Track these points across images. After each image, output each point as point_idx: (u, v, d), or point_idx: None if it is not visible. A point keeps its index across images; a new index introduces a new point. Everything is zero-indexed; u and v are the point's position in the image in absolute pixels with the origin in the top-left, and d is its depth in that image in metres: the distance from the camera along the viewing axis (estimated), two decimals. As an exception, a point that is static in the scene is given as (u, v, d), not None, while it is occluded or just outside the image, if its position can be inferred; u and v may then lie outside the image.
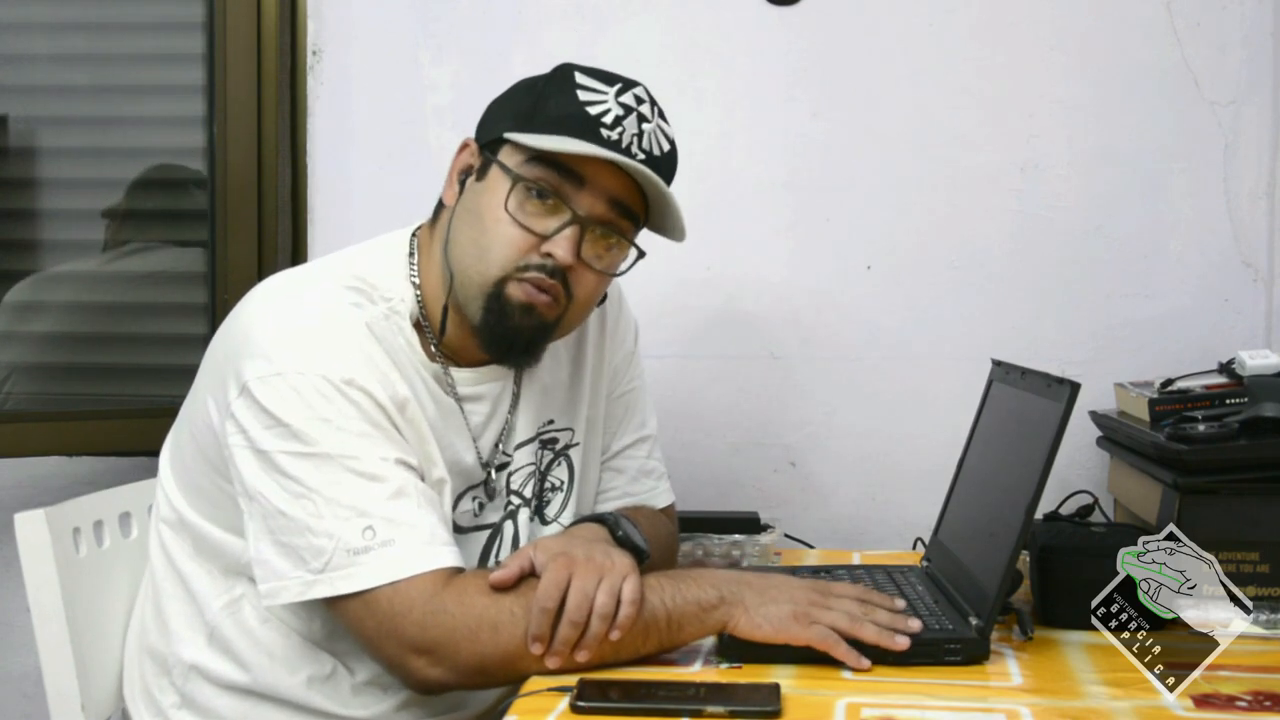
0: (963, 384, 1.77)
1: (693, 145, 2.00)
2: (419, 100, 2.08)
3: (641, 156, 1.32)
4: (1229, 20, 1.95)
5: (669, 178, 1.37)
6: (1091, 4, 1.98)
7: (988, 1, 1.99)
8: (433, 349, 1.39)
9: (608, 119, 1.31)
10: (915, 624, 1.27)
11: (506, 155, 1.34)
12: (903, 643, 1.24)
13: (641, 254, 1.40)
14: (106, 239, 2.15)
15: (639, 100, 1.34)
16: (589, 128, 1.30)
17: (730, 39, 2.03)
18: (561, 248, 1.31)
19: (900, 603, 1.34)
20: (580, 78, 1.34)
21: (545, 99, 1.34)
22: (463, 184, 1.38)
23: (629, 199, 1.35)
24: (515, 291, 1.32)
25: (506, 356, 1.39)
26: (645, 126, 1.33)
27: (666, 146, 1.36)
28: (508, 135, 1.33)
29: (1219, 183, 1.97)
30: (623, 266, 1.40)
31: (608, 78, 1.35)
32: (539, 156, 1.31)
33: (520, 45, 2.05)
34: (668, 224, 1.39)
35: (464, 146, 1.40)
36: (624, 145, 1.31)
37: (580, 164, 1.31)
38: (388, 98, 2.09)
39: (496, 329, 1.33)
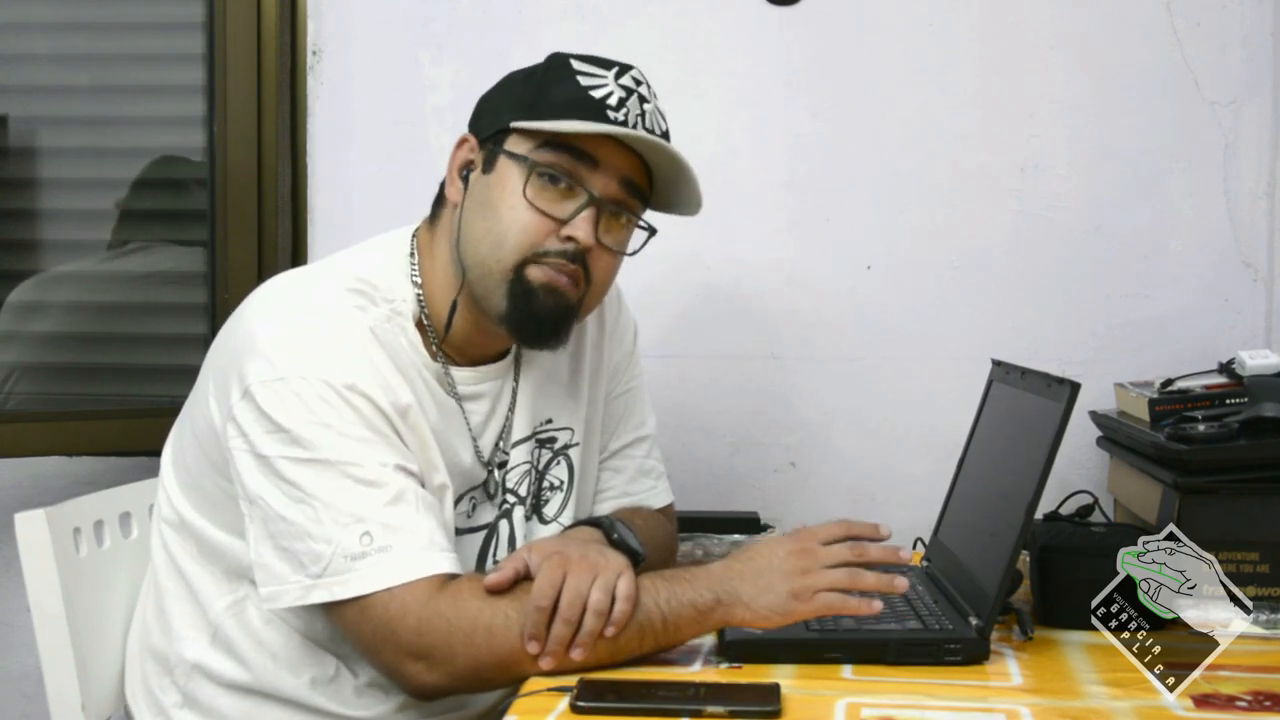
0: (963, 384, 1.77)
1: (693, 145, 1.99)
2: (419, 100, 2.08)
3: (647, 135, 1.34)
4: (1229, 20, 1.95)
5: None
6: (1091, 4, 1.98)
7: (988, 1, 1.99)
8: (434, 349, 1.39)
9: (612, 100, 1.32)
10: (904, 580, 1.27)
11: (514, 144, 1.34)
12: (902, 584, 1.26)
13: (653, 231, 1.41)
14: (112, 240, 2.15)
15: (637, 82, 1.36)
16: (597, 110, 1.32)
17: (730, 39, 2.03)
18: (582, 230, 1.32)
19: (885, 529, 1.33)
20: (577, 64, 1.35)
21: (546, 87, 1.34)
22: (465, 179, 1.38)
23: (638, 178, 1.37)
24: (536, 274, 1.33)
25: (536, 339, 1.38)
26: (646, 106, 1.35)
27: (664, 125, 1.39)
28: (514, 124, 1.33)
29: (1219, 183, 1.97)
30: (634, 245, 1.41)
31: (603, 63, 1.36)
32: (551, 141, 1.32)
33: (520, 45, 2.04)
34: (682, 198, 1.40)
35: (462, 142, 1.41)
36: (631, 125, 1.33)
37: (593, 146, 1.32)
38: (388, 98, 2.09)
39: (524, 313, 1.34)
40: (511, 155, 1.34)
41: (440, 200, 1.44)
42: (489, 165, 1.36)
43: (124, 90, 2.18)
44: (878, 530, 1.32)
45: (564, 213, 1.33)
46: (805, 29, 2.02)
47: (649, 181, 1.39)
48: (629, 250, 1.41)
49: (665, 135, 1.38)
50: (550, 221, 1.32)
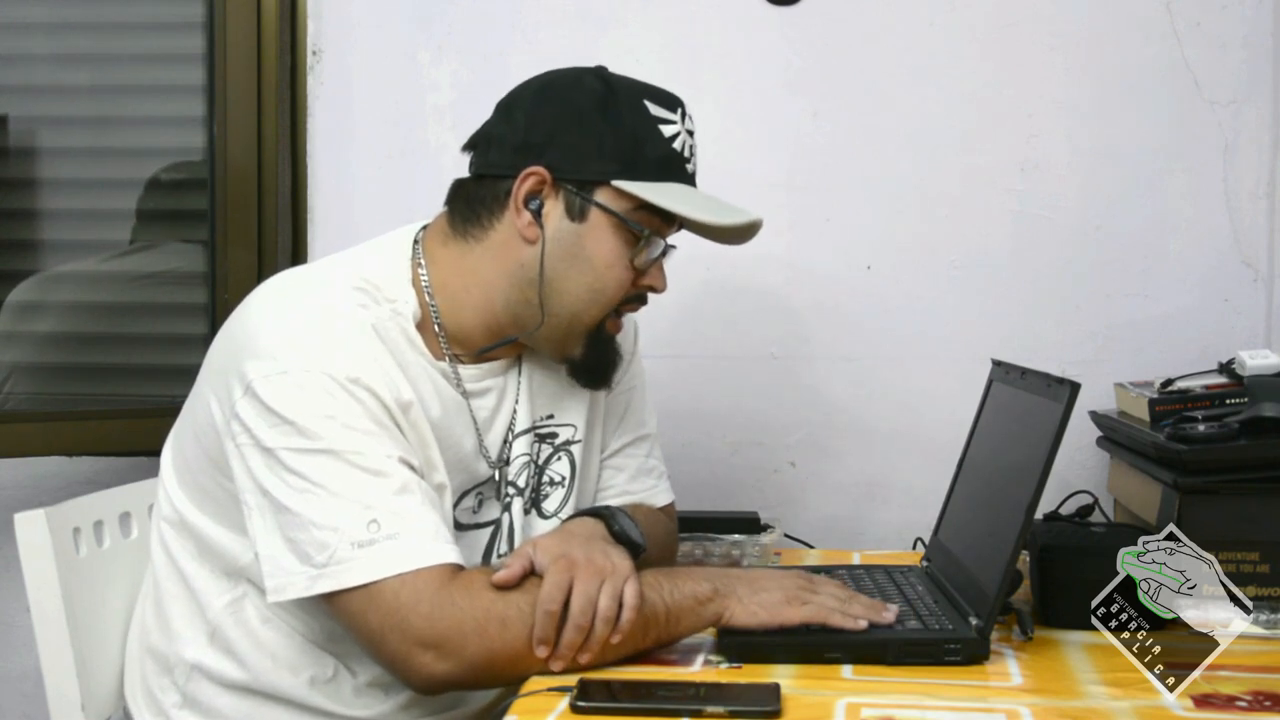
0: (963, 384, 1.77)
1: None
2: (419, 100, 2.08)
3: (692, 171, 1.41)
4: (1229, 20, 1.95)
5: None
6: (1091, 4, 1.98)
7: (988, 1, 1.99)
8: (441, 346, 1.39)
9: (686, 152, 1.39)
10: (894, 608, 1.32)
11: (610, 199, 1.36)
12: (889, 616, 1.30)
13: (672, 248, 1.46)
14: (133, 238, 2.15)
15: (688, 117, 1.41)
16: (680, 168, 1.39)
17: (730, 39, 2.03)
18: (662, 282, 1.42)
19: (878, 602, 1.37)
20: (653, 108, 1.37)
21: (639, 139, 1.36)
22: (535, 213, 1.36)
23: None
24: (611, 325, 1.41)
25: (604, 380, 1.47)
26: (693, 142, 1.42)
27: None
28: (616, 183, 1.35)
29: (1219, 183, 1.97)
30: None
31: (669, 100, 1.39)
32: (647, 205, 1.35)
33: (520, 46, 2.05)
34: (730, 237, 1.43)
35: (531, 174, 1.35)
36: (693, 172, 1.41)
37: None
38: (388, 98, 2.09)
39: (598, 361, 1.43)
40: (609, 211, 1.36)
41: (476, 215, 1.39)
42: (578, 214, 1.36)
43: (124, 90, 2.18)
44: (871, 600, 1.36)
45: (641, 263, 1.39)
46: (805, 29, 2.02)
47: None
48: None
49: None
50: (633, 272, 1.39)
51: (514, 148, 1.37)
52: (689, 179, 1.40)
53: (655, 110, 1.37)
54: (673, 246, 1.42)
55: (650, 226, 1.37)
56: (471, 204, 1.40)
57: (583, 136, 1.36)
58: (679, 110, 1.39)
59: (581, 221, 1.36)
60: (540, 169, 1.35)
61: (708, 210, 1.36)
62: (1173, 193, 1.98)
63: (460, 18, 2.07)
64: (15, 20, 2.15)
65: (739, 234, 1.42)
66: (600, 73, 1.40)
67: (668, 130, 1.37)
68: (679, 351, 2.05)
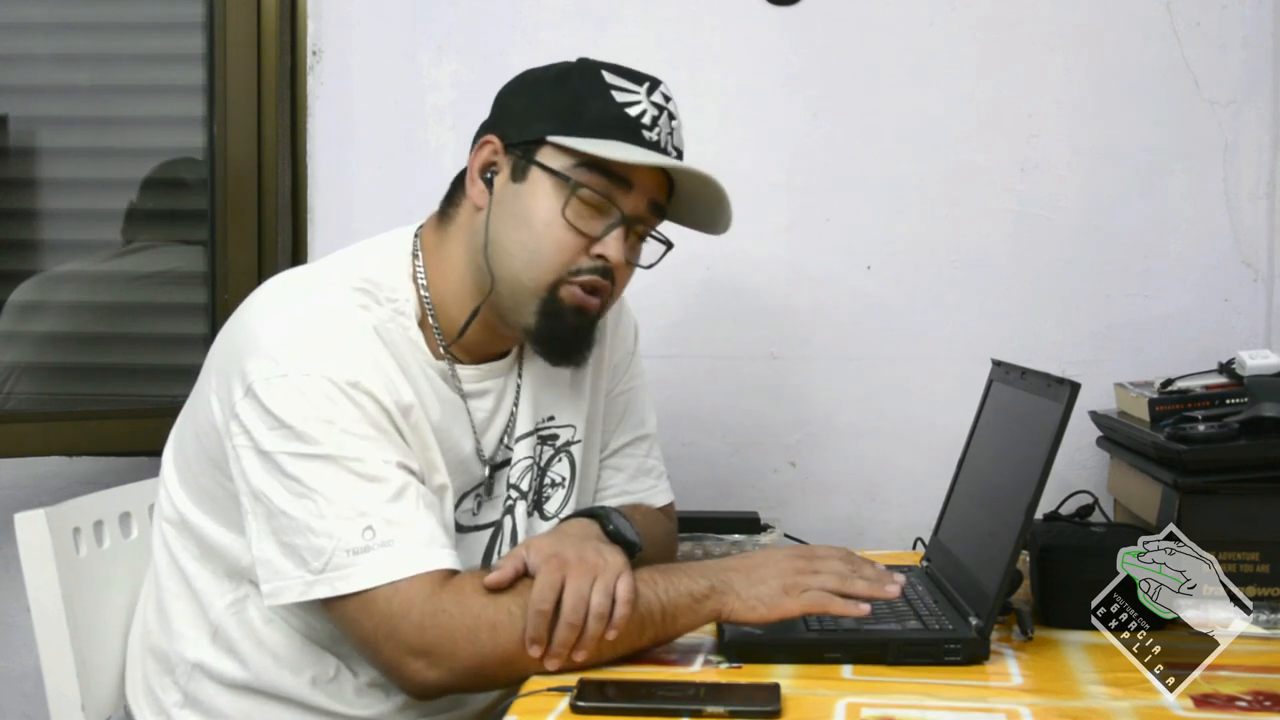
0: (963, 384, 1.77)
1: (692, 145, 2.00)
2: (419, 100, 2.08)
3: (674, 154, 1.36)
4: (1229, 20, 1.95)
5: None
6: (1091, 4, 1.98)
7: (988, 1, 1.99)
8: (440, 347, 1.39)
9: (646, 119, 1.34)
10: (900, 579, 1.31)
11: (549, 157, 1.34)
12: (893, 590, 1.29)
13: (670, 246, 1.43)
14: (123, 239, 2.15)
15: (666, 98, 1.37)
16: (634, 131, 1.33)
17: (730, 39, 2.03)
18: (614, 249, 1.34)
19: (881, 567, 1.35)
20: (610, 77, 1.35)
21: (582, 99, 1.34)
22: (488, 182, 1.38)
23: (662, 197, 1.39)
24: (568, 294, 1.35)
25: (564, 358, 1.40)
26: (674, 124, 1.38)
27: (685, 142, 1.41)
28: (552, 138, 1.33)
29: (1219, 183, 1.97)
30: (653, 259, 1.43)
31: (635, 76, 1.37)
32: (589, 162, 1.32)
33: (520, 46, 2.05)
34: (707, 218, 1.41)
35: (484, 143, 1.39)
36: (662, 145, 1.35)
37: (629, 169, 1.33)
38: (388, 98, 2.08)
39: (554, 332, 1.36)
40: (547, 169, 1.33)
41: (453, 199, 1.43)
42: (519, 174, 1.35)
43: (124, 90, 2.18)
44: (875, 566, 1.34)
45: (596, 230, 1.34)
46: (805, 29, 2.02)
47: (668, 196, 1.40)
48: (647, 263, 1.43)
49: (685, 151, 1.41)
50: (583, 239, 1.34)
51: (481, 129, 1.41)
52: (646, 143, 1.33)
53: (612, 79, 1.34)
54: (635, 220, 1.36)
55: (595, 186, 1.33)
56: (450, 192, 1.44)
57: (530, 103, 1.38)
58: (646, 85, 1.36)
59: (522, 182, 1.35)
60: (491, 137, 1.38)
61: (642, 157, 1.31)
62: (1173, 193, 1.98)
63: (460, 18, 2.07)
64: (15, 20, 2.15)
65: (710, 207, 1.39)
66: (582, 59, 1.39)
67: (621, 97, 1.33)
68: (679, 351, 2.05)
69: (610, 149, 1.31)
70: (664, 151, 1.35)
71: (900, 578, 1.31)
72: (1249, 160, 1.96)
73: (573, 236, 1.33)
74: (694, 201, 1.40)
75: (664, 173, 1.37)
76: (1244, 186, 1.96)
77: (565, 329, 1.36)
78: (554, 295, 1.34)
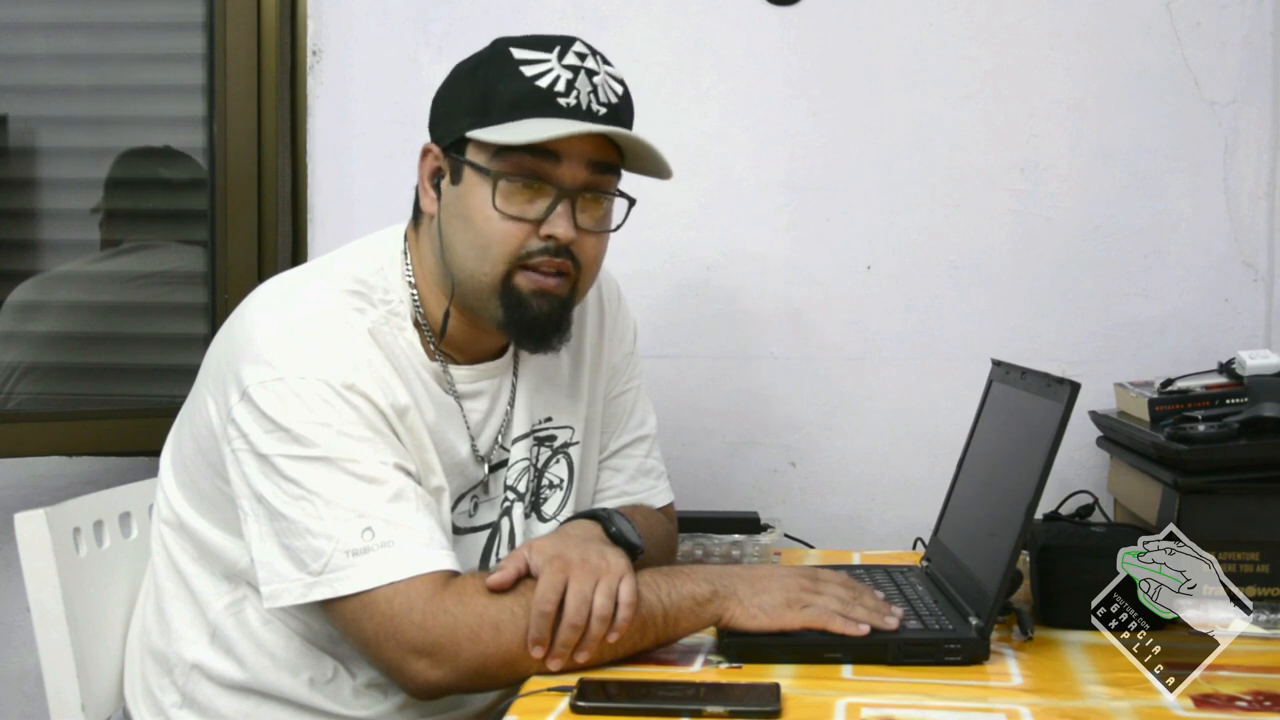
0: (963, 384, 1.77)
1: (692, 145, 2.01)
2: (419, 100, 2.05)
3: (603, 111, 1.32)
4: (1229, 20, 1.95)
5: (631, 119, 1.37)
6: (1091, 4, 1.98)
7: (988, 1, 1.99)
8: (432, 348, 1.39)
9: (560, 86, 1.30)
10: (898, 612, 1.31)
11: (474, 153, 1.33)
12: (891, 623, 1.28)
13: (632, 202, 1.39)
14: (102, 240, 2.15)
15: (581, 56, 1.33)
16: (546, 102, 1.30)
17: (730, 39, 2.03)
18: (560, 227, 1.31)
19: (880, 594, 1.36)
20: (518, 52, 1.32)
21: (492, 84, 1.32)
22: (437, 188, 1.37)
23: (605, 156, 1.35)
24: (524, 281, 1.33)
25: (538, 345, 1.38)
26: (596, 80, 1.33)
27: (620, 89, 1.36)
28: (469, 134, 1.32)
29: (1219, 183, 1.97)
30: (618, 220, 1.40)
31: (544, 43, 1.34)
32: (505, 148, 1.30)
33: (520, 45, 2.04)
34: (649, 166, 1.38)
35: (426, 152, 1.39)
36: (583, 107, 1.31)
37: (551, 142, 1.30)
38: (388, 98, 2.08)
39: (521, 322, 1.34)
40: (474, 166, 1.33)
41: (418, 204, 1.43)
42: (456, 176, 1.35)
43: (124, 90, 2.18)
44: (875, 593, 1.35)
45: (537, 212, 1.32)
46: (805, 29, 2.02)
47: (619, 151, 1.36)
48: (612, 226, 1.39)
49: (624, 99, 1.36)
50: (526, 224, 1.32)
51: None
52: (562, 111, 1.30)
53: (520, 54, 1.32)
54: (579, 190, 1.32)
55: (517, 170, 1.31)
56: (415, 197, 1.44)
57: (451, 102, 1.38)
58: (557, 49, 1.32)
59: (459, 183, 1.35)
60: (430, 145, 1.39)
61: (547, 130, 1.27)
62: (1173, 193, 1.98)
63: (460, 18, 2.07)
64: (15, 20, 2.14)
65: (650, 155, 1.34)
66: (495, 40, 1.37)
67: (530, 70, 1.31)
68: (679, 351, 2.04)
69: (517, 131, 1.28)
70: (586, 112, 1.30)
71: (899, 610, 1.32)
72: (1249, 160, 1.96)
73: (513, 225, 1.31)
74: (638, 150, 1.36)
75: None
76: (1244, 186, 1.96)
77: (532, 315, 1.34)
78: (510, 285, 1.33)
